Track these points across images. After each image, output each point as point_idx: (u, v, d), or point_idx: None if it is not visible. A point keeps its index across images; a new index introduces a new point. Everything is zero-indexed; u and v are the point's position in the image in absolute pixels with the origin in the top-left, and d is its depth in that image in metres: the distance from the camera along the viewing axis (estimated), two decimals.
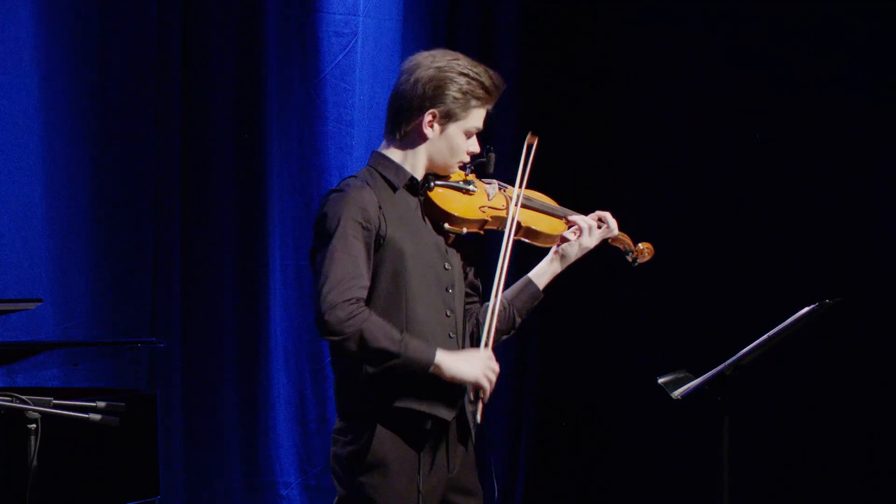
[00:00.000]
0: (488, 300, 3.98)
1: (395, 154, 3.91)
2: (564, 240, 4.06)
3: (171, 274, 6.21)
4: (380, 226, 3.79)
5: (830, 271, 6.49)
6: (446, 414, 3.84)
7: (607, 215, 4.10)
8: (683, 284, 6.85)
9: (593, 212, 4.11)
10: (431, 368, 3.74)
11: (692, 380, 4.45)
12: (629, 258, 4.24)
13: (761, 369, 5.36)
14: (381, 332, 3.70)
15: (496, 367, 3.84)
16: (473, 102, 3.87)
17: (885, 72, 6.41)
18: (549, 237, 4.07)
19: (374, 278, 3.79)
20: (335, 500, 3.89)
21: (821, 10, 6.56)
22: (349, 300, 3.68)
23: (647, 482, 7.09)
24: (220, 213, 6.41)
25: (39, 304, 5.11)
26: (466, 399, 3.88)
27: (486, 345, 3.87)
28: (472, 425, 3.92)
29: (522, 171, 4.00)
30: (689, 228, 6.80)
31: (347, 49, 6.62)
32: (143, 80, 6.10)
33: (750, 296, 6.61)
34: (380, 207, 3.80)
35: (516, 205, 3.97)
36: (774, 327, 4.39)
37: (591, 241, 4.06)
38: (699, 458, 5.94)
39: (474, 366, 3.80)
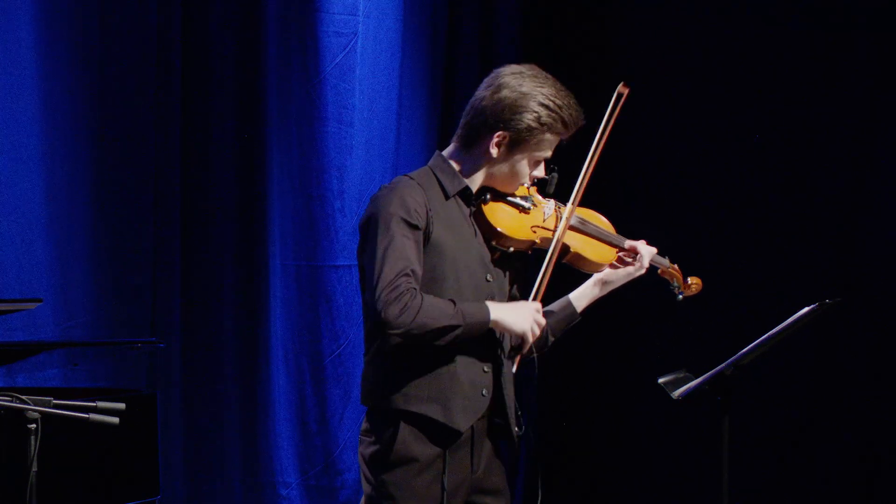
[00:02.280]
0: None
1: (456, 162, 3.88)
2: (613, 266, 4.05)
3: (171, 274, 6.21)
4: (427, 225, 3.77)
5: (830, 271, 6.49)
6: (462, 423, 3.83)
7: (641, 246, 4.06)
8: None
9: (639, 240, 4.08)
10: (490, 324, 3.75)
11: (692, 380, 4.45)
12: (675, 291, 4.21)
13: (761, 369, 5.36)
14: (436, 311, 3.69)
15: (543, 320, 3.86)
16: (547, 135, 3.84)
17: (886, 72, 6.41)
18: (596, 265, 4.03)
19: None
20: (362, 500, 3.90)
21: (821, 9, 6.56)
22: (402, 294, 3.65)
23: (647, 482, 7.09)
24: (220, 213, 6.41)
25: (39, 304, 5.11)
26: (503, 357, 3.89)
27: (535, 297, 3.88)
28: (512, 427, 3.91)
29: (606, 123, 3.98)
30: (689, 228, 6.79)
31: (347, 49, 6.62)
32: (143, 80, 6.10)
33: (750, 296, 6.61)
34: (428, 209, 3.78)
35: (565, 224, 3.92)
36: (774, 327, 4.40)
37: (639, 270, 4.05)
38: (699, 458, 5.95)
39: (525, 318, 3.81)
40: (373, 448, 3.83)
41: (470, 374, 3.83)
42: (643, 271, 4.06)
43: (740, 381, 4.44)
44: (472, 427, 3.86)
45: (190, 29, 6.28)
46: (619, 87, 4.01)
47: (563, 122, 3.84)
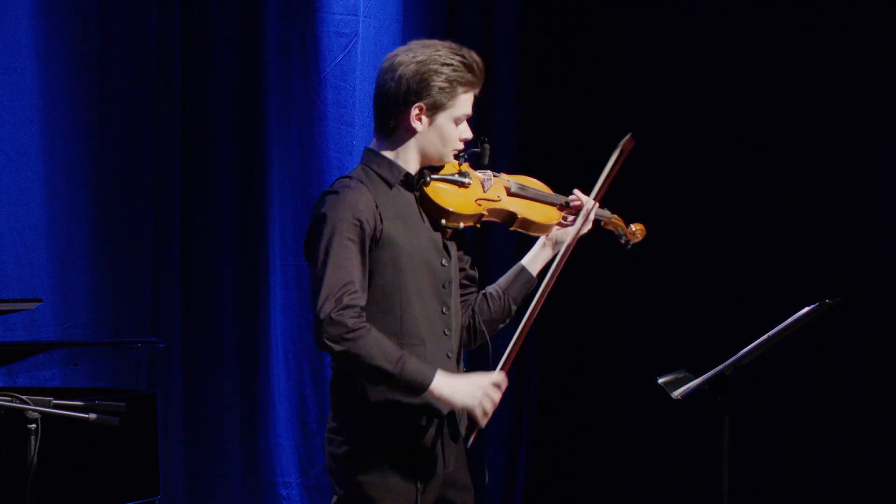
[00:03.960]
0: (483, 289, 4.03)
1: (387, 150, 3.89)
2: (561, 224, 4.07)
3: (171, 274, 6.21)
4: (376, 224, 3.77)
5: (830, 271, 6.49)
6: (443, 406, 3.81)
7: (584, 199, 4.07)
8: (683, 284, 6.85)
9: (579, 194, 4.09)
10: (425, 394, 3.72)
11: (692, 380, 4.45)
12: (622, 241, 4.23)
13: (761, 369, 5.36)
14: (378, 350, 3.68)
15: (497, 397, 3.81)
16: (460, 90, 3.85)
17: (886, 71, 6.41)
18: (545, 226, 4.05)
19: (371, 275, 3.78)
20: (333, 502, 3.89)
21: (822, 8, 6.55)
22: (347, 310, 3.66)
23: (647, 482, 7.09)
24: (220, 213, 6.41)
25: (39, 304, 5.11)
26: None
27: (502, 368, 3.86)
28: (462, 434, 3.91)
29: (609, 174, 4.03)
30: (689, 228, 6.80)
31: (347, 49, 6.62)
32: (143, 80, 6.10)
33: (750, 296, 6.61)
34: (377, 206, 3.78)
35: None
36: (774, 327, 4.40)
37: (586, 225, 4.06)
38: (699, 458, 5.95)
39: (471, 395, 3.78)
40: (344, 448, 3.81)
41: (438, 363, 3.83)
42: (590, 225, 4.07)
43: (740, 381, 4.44)
44: (439, 424, 3.85)
45: (190, 29, 6.28)
46: (625, 142, 4.07)
47: (471, 72, 3.86)
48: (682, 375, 4.49)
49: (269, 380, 6.52)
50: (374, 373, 3.71)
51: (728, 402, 4.42)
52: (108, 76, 6.00)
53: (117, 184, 6.04)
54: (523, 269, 4.09)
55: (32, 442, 3.53)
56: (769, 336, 4.39)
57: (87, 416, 3.54)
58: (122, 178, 6.06)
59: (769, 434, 6.60)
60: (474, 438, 3.88)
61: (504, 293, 4.06)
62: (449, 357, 3.89)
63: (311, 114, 6.58)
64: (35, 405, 3.54)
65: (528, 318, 3.95)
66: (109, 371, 5.93)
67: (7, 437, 4.49)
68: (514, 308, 4.09)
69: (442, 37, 6.92)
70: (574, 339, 7.24)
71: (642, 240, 4.24)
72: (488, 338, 4.03)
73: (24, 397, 3.55)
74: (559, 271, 3.99)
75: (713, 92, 6.84)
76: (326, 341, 3.67)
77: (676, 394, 4.45)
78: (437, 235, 3.91)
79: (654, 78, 6.99)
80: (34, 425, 3.53)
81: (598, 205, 4.09)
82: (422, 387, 3.72)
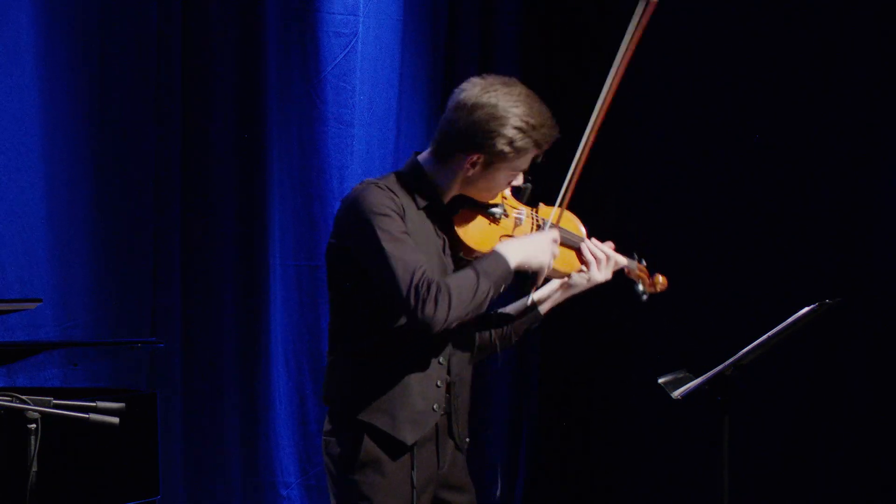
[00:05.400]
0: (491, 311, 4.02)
1: (431, 171, 3.85)
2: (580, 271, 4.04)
3: (171, 274, 6.21)
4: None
5: (830, 271, 6.49)
6: (409, 437, 3.80)
7: (607, 249, 4.03)
8: (683, 284, 6.83)
9: (606, 241, 4.06)
10: (512, 271, 3.76)
11: (692, 380, 4.46)
12: (639, 290, 4.16)
13: (761, 369, 5.36)
14: (463, 290, 3.67)
15: (558, 249, 3.85)
16: (522, 153, 3.80)
17: (887, 71, 6.41)
18: (560, 273, 4.00)
19: (371, 284, 3.74)
20: (332, 502, 3.89)
21: (822, 8, 6.56)
22: (424, 290, 3.62)
23: (647, 482, 7.09)
24: (220, 213, 6.41)
25: (39, 304, 5.11)
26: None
27: (559, 210, 3.91)
28: (455, 433, 3.91)
29: (631, 36, 4.05)
30: (689, 228, 6.80)
31: (347, 49, 6.62)
32: (143, 80, 6.10)
33: (750, 296, 6.61)
34: (403, 210, 3.76)
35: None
36: (774, 327, 4.40)
37: (600, 275, 4.03)
38: (699, 458, 5.95)
39: (543, 252, 3.82)
40: (339, 449, 3.82)
41: (422, 387, 3.81)
42: (608, 276, 4.04)
43: (740, 381, 4.44)
44: (435, 424, 3.85)
45: (190, 29, 6.28)
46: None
47: (537, 144, 3.81)
48: (682, 375, 4.50)
49: (269, 380, 6.52)
50: (479, 304, 3.71)
51: (728, 402, 4.43)
52: (107, 76, 6.01)
53: (117, 183, 6.04)
54: (534, 305, 4.09)
55: (32, 442, 3.53)
56: (769, 336, 4.39)
57: (87, 416, 3.54)
58: (122, 178, 6.06)
59: (769, 434, 6.61)
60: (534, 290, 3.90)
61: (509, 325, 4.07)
62: (438, 386, 3.84)
63: (311, 114, 6.58)
64: (35, 405, 3.53)
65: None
66: (109, 371, 5.93)
67: (7, 437, 4.49)
68: (515, 339, 4.09)
69: (443, 38, 6.99)
70: (574, 338, 7.24)
71: (663, 292, 4.19)
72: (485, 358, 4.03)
73: (24, 397, 3.55)
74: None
75: (713, 92, 6.84)
76: (428, 322, 3.63)
77: (676, 394, 4.45)
78: (448, 260, 3.87)
79: (654, 78, 6.99)
80: (34, 425, 3.53)
81: (623, 260, 4.05)
82: (508, 273, 3.75)
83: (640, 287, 4.16)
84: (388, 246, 3.67)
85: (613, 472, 7.21)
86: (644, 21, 3.91)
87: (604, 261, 4.01)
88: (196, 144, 6.33)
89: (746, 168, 6.74)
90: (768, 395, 6.54)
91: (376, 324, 3.77)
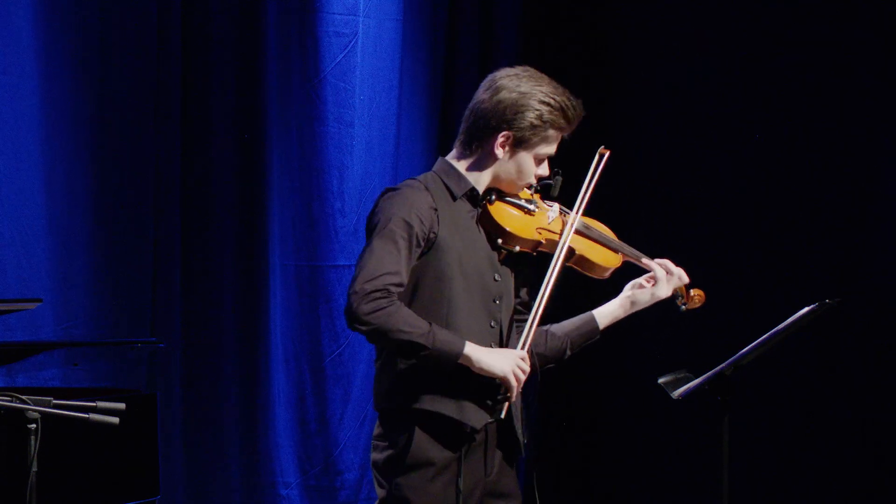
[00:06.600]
0: (547, 325, 4.04)
1: (461, 165, 3.91)
2: (639, 285, 4.10)
3: (171, 274, 6.21)
4: (432, 226, 3.80)
5: (830, 271, 6.49)
6: (476, 422, 3.83)
7: (669, 264, 4.10)
8: None
9: (661, 258, 4.11)
10: (460, 359, 3.73)
11: (692, 380, 4.45)
12: (679, 303, 4.21)
13: (761, 369, 5.36)
14: (405, 323, 3.69)
15: (527, 367, 3.83)
16: (550, 131, 3.88)
17: (887, 71, 6.40)
18: (602, 269, 4.04)
19: (421, 277, 3.80)
20: (377, 502, 3.90)
21: (822, 8, 6.55)
22: (378, 291, 3.67)
23: (647, 482, 7.09)
24: (220, 213, 6.40)
25: (39, 304, 5.11)
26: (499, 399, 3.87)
27: (523, 346, 3.87)
28: (519, 434, 3.91)
29: (588, 184, 4.01)
30: (690, 228, 6.79)
31: (347, 49, 6.62)
32: (143, 80, 6.10)
33: (750, 296, 6.61)
34: (436, 210, 3.80)
35: (571, 226, 3.96)
36: (774, 327, 4.39)
37: (664, 291, 4.09)
38: (699, 458, 5.94)
39: (505, 361, 3.79)
40: (387, 453, 3.83)
41: (482, 379, 3.82)
42: (669, 292, 4.11)
43: (740, 381, 4.44)
44: (485, 430, 3.86)
45: (190, 29, 6.28)
46: (601, 150, 4.06)
47: (566, 117, 3.89)
48: (682, 375, 4.49)
49: (269, 380, 6.51)
50: (405, 346, 3.71)
51: (728, 402, 4.42)
52: (108, 76, 6.00)
53: (117, 184, 6.04)
54: (593, 319, 4.12)
55: (32, 442, 3.53)
56: (769, 336, 4.39)
57: (87, 416, 3.54)
58: (122, 178, 6.06)
59: (769, 434, 6.60)
60: (506, 410, 3.85)
61: (566, 336, 4.07)
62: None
63: (311, 114, 6.58)
64: (35, 405, 3.54)
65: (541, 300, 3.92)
66: (109, 371, 5.93)
67: (7, 437, 4.49)
68: (569, 354, 4.10)
69: (443, 37, 6.99)
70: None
71: (700, 306, 4.20)
72: (538, 369, 4.00)
73: (24, 397, 3.55)
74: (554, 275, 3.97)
75: (713, 92, 6.84)
76: (356, 319, 3.67)
77: (676, 394, 4.45)
78: (493, 253, 3.91)
79: (654, 77, 6.99)
80: (34, 425, 3.53)
81: (681, 273, 4.10)
82: (455, 354, 3.72)
83: (679, 297, 4.20)
84: (377, 242, 3.74)
85: (613, 472, 7.21)
86: (601, 170, 4.03)
87: (672, 277, 4.08)
88: (196, 145, 6.32)
89: (747, 167, 6.73)
90: (768, 395, 6.54)
91: (429, 313, 3.78)
